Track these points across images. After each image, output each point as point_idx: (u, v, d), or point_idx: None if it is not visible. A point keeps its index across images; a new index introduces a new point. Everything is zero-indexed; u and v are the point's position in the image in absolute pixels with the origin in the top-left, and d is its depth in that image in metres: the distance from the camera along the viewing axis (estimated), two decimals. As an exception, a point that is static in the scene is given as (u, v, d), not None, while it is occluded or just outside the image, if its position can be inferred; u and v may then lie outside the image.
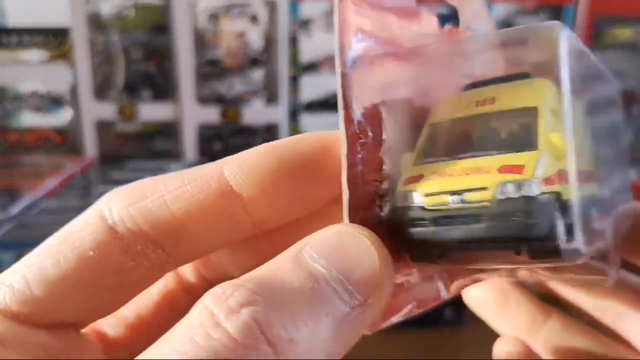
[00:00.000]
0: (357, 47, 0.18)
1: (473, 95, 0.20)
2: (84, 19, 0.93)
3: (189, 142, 0.97)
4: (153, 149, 1.00)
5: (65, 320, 0.18)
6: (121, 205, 0.17)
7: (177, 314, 0.16)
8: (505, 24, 1.04)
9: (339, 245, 0.15)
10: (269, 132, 0.99)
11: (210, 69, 0.97)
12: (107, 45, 0.96)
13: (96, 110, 0.97)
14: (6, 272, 0.18)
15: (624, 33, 0.99)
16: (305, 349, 0.14)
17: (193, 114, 0.97)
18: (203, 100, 0.97)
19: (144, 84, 0.98)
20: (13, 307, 0.17)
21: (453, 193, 0.17)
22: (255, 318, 0.13)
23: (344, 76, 0.18)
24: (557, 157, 0.17)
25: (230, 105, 0.97)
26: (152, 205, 0.17)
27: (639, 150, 0.98)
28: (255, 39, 0.97)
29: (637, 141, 1.01)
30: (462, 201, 0.17)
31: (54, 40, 0.99)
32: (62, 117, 0.99)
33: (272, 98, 0.97)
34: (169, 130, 0.99)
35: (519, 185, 0.16)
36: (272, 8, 0.95)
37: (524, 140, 0.17)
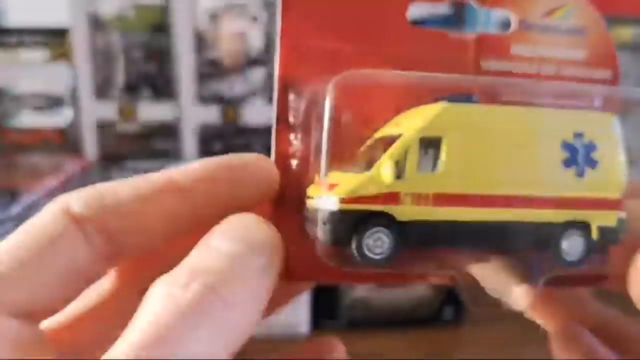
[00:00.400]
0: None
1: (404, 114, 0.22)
2: (84, 19, 0.94)
3: (189, 142, 0.97)
4: (153, 149, 1.01)
5: (26, 306, 0.19)
6: (80, 197, 0.20)
7: (123, 313, 0.19)
8: (505, 24, 1.04)
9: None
10: (269, 132, 0.98)
11: (210, 69, 0.97)
12: (107, 45, 0.96)
13: (96, 111, 0.97)
14: None
15: (626, 33, 0.99)
16: (242, 299, 0.17)
17: (193, 114, 0.97)
18: (203, 100, 0.97)
19: (144, 84, 0.98)
20: None
21: (308, 198, 0.21)
22: (205, 284, 0.17)
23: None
24: (377, 181, 0.20)
25: (230, 105, 0.97)
26: (107, 199, 0.20)
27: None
28: (255, 39, 0.97)
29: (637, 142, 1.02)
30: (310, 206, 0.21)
31: (54, 40, 0.99)
32: (62, 117, 0.99)
33: (272, 98, 0.97)
34: (169, 131, 0.99)
35: (325, 199, 0.20)
36: (272, 8, 0.95)
37: (374, 162, 0.20)
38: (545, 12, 0.23)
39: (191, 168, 0.21)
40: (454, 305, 0.73)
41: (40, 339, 0.20)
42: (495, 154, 0.20)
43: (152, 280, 0.22)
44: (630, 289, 0.20)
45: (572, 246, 0.21)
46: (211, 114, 0.97)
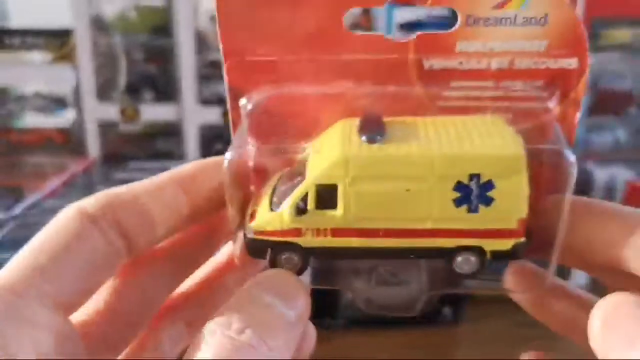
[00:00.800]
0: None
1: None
2: (86, 21, 0.94)
3: (191, 143, 0.98)
4: (155, 149, 1.01)
5: (60, 298, 0.21)
6: (93, 199, 0.23)
7: (135, 299, 0.24)
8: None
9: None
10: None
11: (212, 70, 0.98)
12: (109, 46, 0.97)
13: (99, 111, 0.97)
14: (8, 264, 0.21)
15: (622, 34, 0.99)
16: (282, 345, 0.21)
17: (194, 115, 0.98)
18: (204, 101, 0.98)
19: (146, 85, 0.98)
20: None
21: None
22: (255, 332, 0.20)
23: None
24: (281, 220, 0.23)
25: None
26: (117, 198, 0.23)
27: (637, 151, 0.99)
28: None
29: (634, 142, 1.02)
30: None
31: (57, 41, 0.99)
32: (65, 117, 1.00)
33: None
34: (170, 131, 1.00)
35: (248, 224, 0.24)
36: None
37: (292, 190, 0.23)
38: (495, 5, 0.22)
39: (186, 167, 0.24)
40: (453, 305, 0.74)
41: (72, 331, 0.21)
42: (386, 197, 0.22)
43: (153, 278, 0.25)
44: (591, 340, 0.21)
45: (465, 263, 0.23)
46: (212, 115, 0.97)
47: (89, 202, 0.22)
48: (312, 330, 0.27)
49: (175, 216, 0.24)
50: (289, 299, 0.21)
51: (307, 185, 0.22)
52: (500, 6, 0.22)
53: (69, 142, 1.00)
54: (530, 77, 0.23)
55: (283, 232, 0.23)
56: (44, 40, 0.99)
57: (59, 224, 0.22)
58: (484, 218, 0.22)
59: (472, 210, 0.22)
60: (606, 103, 1.00)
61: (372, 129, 0.22)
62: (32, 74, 0.99)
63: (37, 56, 1.00)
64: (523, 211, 0.22)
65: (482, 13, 0.22)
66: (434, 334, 0.72)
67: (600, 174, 0.89)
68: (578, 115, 0.24)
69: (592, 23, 0.97)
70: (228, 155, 0.23)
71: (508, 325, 0.70)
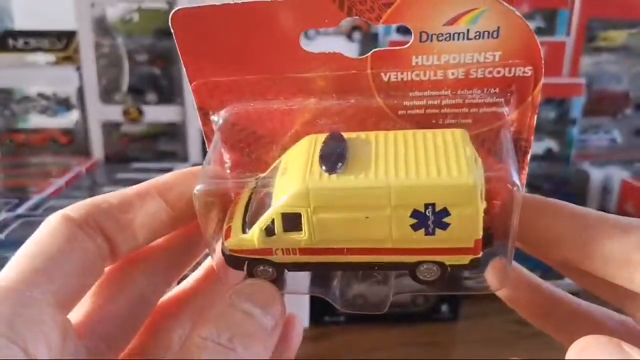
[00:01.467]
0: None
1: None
2: (89, 23, 0.95)
3: (193, 144, 0.99)
4: (158, 150, 1.02)
5: (60, 297, 0.21)
6: (76, 206, 0.24)
7: (126, 298, 0.25)
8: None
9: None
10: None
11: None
12: (112, 48, 0.98)
13: (102, 112, 0.98)
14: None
15: (618, 36, 1.00)
16: (262, 351, 0.23)
17: (197, 116, 0.98)
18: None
19: (149, 87, 0.99)
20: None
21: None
22: (243, 343, 0.22)
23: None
24: (252, 241, 0.24)
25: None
26: (99, 205, 0.24)
27: (632, 152, 1.00)
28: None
29: (630, 143, 1.03)
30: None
31: (60, 43, 1.00)
32: (69, 118, 1.01)
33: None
34: (173, 132, 1.01)
35: (224, 240, 0.25)
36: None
37: (262, 210, 0.24)
38: (446, 21, 0.22)
39: (166, 176, 0.26)
40: (451, 302, 0.74)
41: (72, 331, 0.22)
42: (347, 223, 0.23)
43: (140, 278, 0.26)
44: None
45: (427, 271, 0.24)
46: (214, 116, 0.98)
47: (73, 209, 0.23)
48: (299, 326, 0.28)
49: (155, 222, 0.25)
50: (267, 307, 0.23)
51: (273, 212, 0.23)
52: (450, 23, 0.23)
53: (72, 142, 1.01)
54: (486, 85, 0.24)
55: (256, 251, 0.24)
56: (47, 41, 1.00)
57: (48, 228, 0.23)
58: (442, 239, 0.23)
59: (430, 233, 0.23)
60: (602, 104, 1.01)
61: (333, 156, 0.23)
62: (36, 75, 1.00)
63: (41, 58, 1.01)
64: (478, 233, 0.23)
65: (434, 29, 0.23)
66: (433, 331, 0.73)
67: (597, 174, 0.90)
68: (535, 117, 0.24)
69: (589, 25, 0.98)
70: (198, 187, 0.24)
71: (505, 322, 0.71)
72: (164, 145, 1.02)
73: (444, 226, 0.22)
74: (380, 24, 0.23)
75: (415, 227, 0.23)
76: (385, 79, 0.24)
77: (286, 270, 0.25)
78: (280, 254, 0.24)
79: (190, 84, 0.25)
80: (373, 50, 0.24)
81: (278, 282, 0.25)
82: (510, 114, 0.24)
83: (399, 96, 0.24)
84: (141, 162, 0.99)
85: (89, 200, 0.24)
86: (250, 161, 0.27)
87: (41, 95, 1.00)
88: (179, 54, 0.24)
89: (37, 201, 0.73)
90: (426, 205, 0.22)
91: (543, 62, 0.23)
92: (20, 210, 0.69)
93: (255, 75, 0.24)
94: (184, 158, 0.99)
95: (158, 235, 0.26)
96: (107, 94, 0.98)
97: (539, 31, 1.03)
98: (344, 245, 0.24)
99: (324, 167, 0.23)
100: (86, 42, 0.95)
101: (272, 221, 0.24)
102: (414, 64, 0.24)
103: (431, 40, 0.23)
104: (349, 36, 0.99)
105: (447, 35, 0.23)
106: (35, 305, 0.20)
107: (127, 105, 0.98)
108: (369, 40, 0.99)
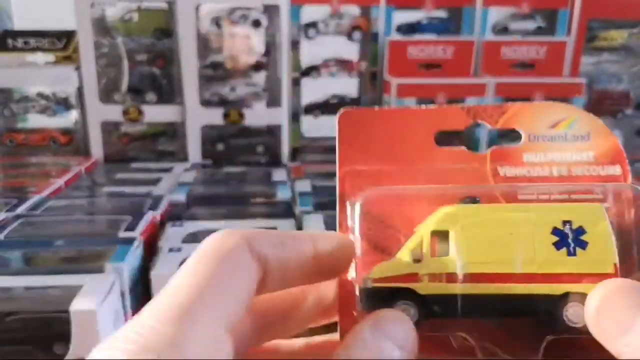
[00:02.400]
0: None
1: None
2: (89, 23, 0.95)
3: (193, 143, 0.99)
4: (157, 149, 1.02)
5: (230, 322, 0.21)
6: (256, 233, 0.24)
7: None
8: (501, 27, 1.05)
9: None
10: (271, 134, 1.00)
11: (214, 72, 0.99)
12: (112, 48, 0.98)
13: (101, 112, 0.98)
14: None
15: (619, 36, 1.00)
16: None
17: (196, 116, 0.98)
18: (206, 102, 0.99)
19: (149, 87, 0.99)
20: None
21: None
22: None
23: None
24: (399, 264, 0.25)
25: (232, 107, 0.99)
26: (273, 239, 0.24)
27: (633, 152, 1.00)
28: (258, 42, 0.98)
29: (631, 143, 1.03)
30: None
31: (60, 43, 1.00)
32: (68, 118, 1.01)
33: (273, 100, 0.99)
34: (173, 132, 1.01)
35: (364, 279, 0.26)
36: (274, 12, 0.97)
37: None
38: (549, 126, 0.28)
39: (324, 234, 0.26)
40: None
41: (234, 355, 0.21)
42: (494, 241, 0.25)
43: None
44: (587, 323, 0.22)
45: (575, 313, 0.24)
46: (214, 116, 0.98)
47: (241, 232, 0.23)
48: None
49: (303, 260, 0.25)
50: (400, 342, 0.23)
51: (422, 233, 0.25)
52: (553, 126, 0.28)
53: (72, 142, 1.01)
54: (585, 181, 0.28)
55: (401, 277, 0.25)
56: (47, 41, 1.00)
57: (222, 248, 0.23)
58: (584, 262, 0.24)
59: (571, 253, 0.24)
60: (602, 104, 1.01)
61: (471, 200, 0.27)
62: (35, 75, 1.00)
63: (41, 57, 1.01)
64: (615, 256, 0.24)
65: (540, 132, 0.28)
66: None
67: (597, 174, 0.90)
68: (632, 211, 0.27)
69: (589, 25, 0.98)
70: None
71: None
72: (164, 145, 1.02)
73: (583, 244, 0.24)
74: (497, 127, 0.28)
75: (557, 246, 0.24)
76: (502, 173, 0.28)
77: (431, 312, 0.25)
78: (426, 281, 0.25)
79: (339, 171, 0.28)
80: (492, 148, 0.28)
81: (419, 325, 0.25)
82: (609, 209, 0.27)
83: (513, 188, 0.28)
84: (140, 161, 0.99)
85: (267, 232, 0.24)
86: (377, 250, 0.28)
87: (40, 95, 1.00)
88: (337, 143, 0.28)
89: (36, 201, 0.73)
90: (564, 222, 0.25)
91: (627, 162, 0.27)
92: (20, 210, 0.69)
93: (393, 166, 0.28)
94: (183, 158, 0.99)
95: (305, 280, 0.26)
96: (107, 94, 0.98)
97: (539, 31, 1.03)
98: (488, 270, 0.25)
99: (466, 200, 0.26)
100: (86, 42, 0.95)
101: (421, 243, 0.25)
102: (524, 160, 0.28)
103: (538, 140, 0.28)
104: (349, 36, 0.99)
105: (551, 137, 0.28)
106: (210, 328, 0.20)
107: (126, 105, 0.98)
108: (369, 40, 0.99)
